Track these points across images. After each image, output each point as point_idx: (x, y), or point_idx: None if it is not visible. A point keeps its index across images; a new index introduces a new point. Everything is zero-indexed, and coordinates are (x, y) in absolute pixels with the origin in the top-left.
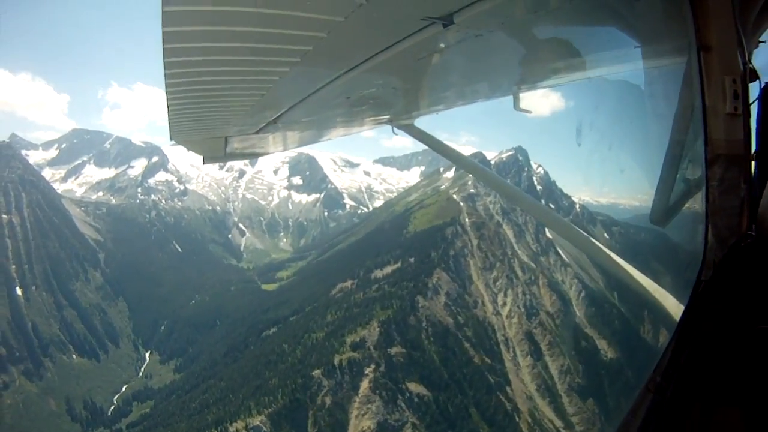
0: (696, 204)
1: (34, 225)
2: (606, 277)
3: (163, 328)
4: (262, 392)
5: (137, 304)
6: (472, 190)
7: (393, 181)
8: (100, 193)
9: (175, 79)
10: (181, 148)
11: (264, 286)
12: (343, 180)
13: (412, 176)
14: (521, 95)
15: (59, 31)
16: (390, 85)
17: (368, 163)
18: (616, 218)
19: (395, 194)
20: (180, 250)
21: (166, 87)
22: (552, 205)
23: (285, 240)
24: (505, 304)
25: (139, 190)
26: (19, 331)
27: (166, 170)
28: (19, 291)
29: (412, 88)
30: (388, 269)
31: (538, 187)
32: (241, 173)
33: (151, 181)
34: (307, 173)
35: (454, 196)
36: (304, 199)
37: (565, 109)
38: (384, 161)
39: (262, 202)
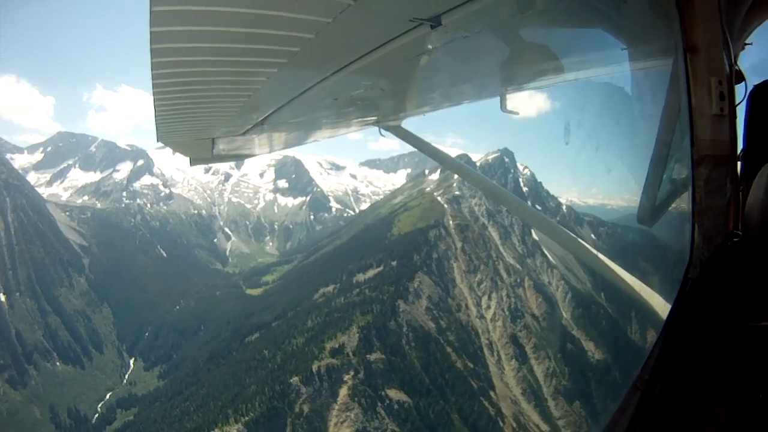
0: (683, 204)
1: (18, 230)
2: (593, 277)
3: (147, 334)
4: (240, 400)
5: (122, 310)
6: (456, 192)
7: (379, 183)
8: (86, 197)
9: (163, 80)
10: (167, 152)
11: (249, 291)
12: (329, 183)
13: (399, 179)
14: (508, 96)
15: (44, 34)
16: (377, 86)
17: (354, 166)
18: (603, 219)
19: (382, 197)
20: (165, 254)
21: (153, 87)
22: (539, 207)
23: (271, 244)
24: (489, 307)
25: (125, 194)
26: (3, 338)
27: (152, 174)
28: (2, 297)
29: (400, 90)
30: (371, 273)
31: (525, 189)
32: (227, 176)
33: (137, 185)
34: (293, 176)
35: (439, 198)
36: (290, 202)
37: (553, 110)
38: (370, 164)
39: (248, 206)
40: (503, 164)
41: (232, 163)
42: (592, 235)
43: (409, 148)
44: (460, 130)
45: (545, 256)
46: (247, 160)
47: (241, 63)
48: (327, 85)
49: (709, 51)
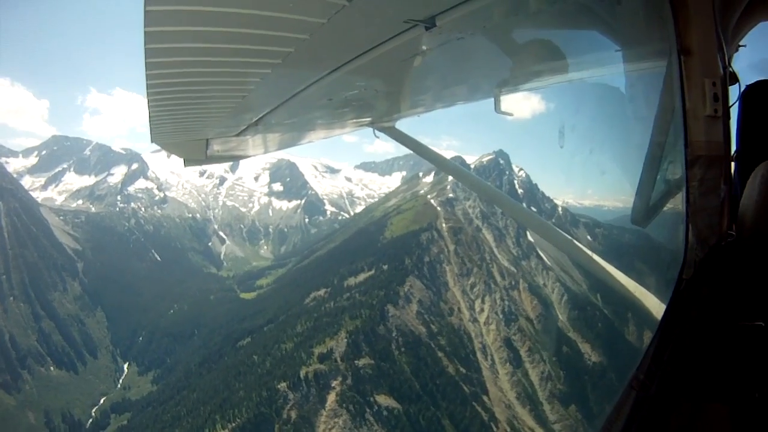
0: (677, 205)
1: (12, 234)
2: (588, 279)
3: (141, 338)
4: (228, 405)
5: (116, 315)
6: (450, 195)
7: (374, 186)
8: (80, 201)
9: (156, 80)
10: (162, 155)
11: (243, 295)
12: (324, 186)
13: (394, 181)
14: (503, 98)
15: (38, 36)
16: (372, 87)
17: (350, 169)
18: (599, 220)
19: (377, 200)
20: (159, 258)
21: (147, 88)
22: (534, 209)
23: (266, 247)
24: (482, 310)
25: (119, 197)
26: None
27: (146, 177)
28: None
29: (394, 91)
30: (362, 277)
31: (520, 191)
32: (222, 180)
33: (131, 189)
34: (288, 180)
35: (432, 200)
36: (285, 205)
37: (548, 111)
38: (365, 166)
39: (243, 209)
40: (498, 166)
41: (227, 167)
42: (588, 237)
43: (404, 151)
44: (455, 132)
45: (540, 258)
46: (241, 164)
47: (235, 63)
48: (321, 86)
49: (703, 53)
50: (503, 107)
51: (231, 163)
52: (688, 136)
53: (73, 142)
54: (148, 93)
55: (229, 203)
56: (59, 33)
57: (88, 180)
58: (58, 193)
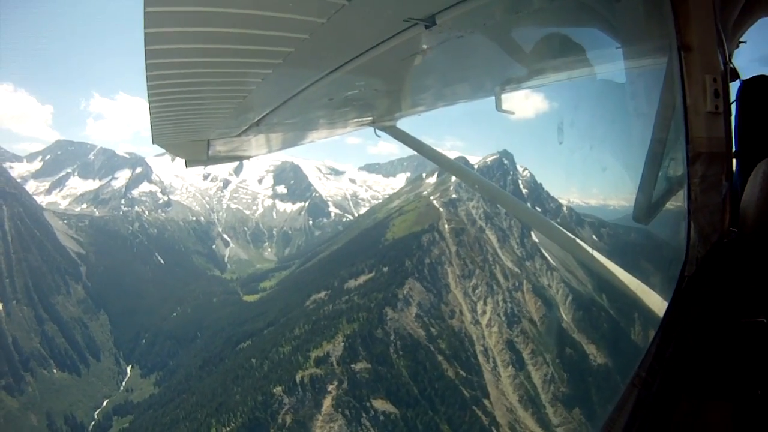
0: (679, 202)
1: (15, 238)
2: (592, 278)
3: (144, 341)
4: (224, 409)
5: (119, 318)
6: (453, 195)
7: (379, 188)
8: (84, 205)
9: (157, 81)
10: (166, 159)
11: (246, 298)
12: (328, 188)
13: (398, 183)
14: (504, 96)
15: (41, 42)
16: (372, 86)
17: (354, 171)
18: (605, 219)
19: (381, 201)
20: (163, 261)
21: (148, 89)
22: (539, 209)
23: (269, 250)
24: (484, 312)
25: (123, 201)
26: (0, 346)
27: (150, 181)
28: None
29: (395, 90)
30: (362, 279)
31: (524, 191)
32: (226, 183)
33: (135, 193)
34: (292, 182)
35: (434, 201)
36: (289, 208)
37: (552, 111)
38: (370, 168)
39: (247, 212)
40: (502, 166)
41: (231, 170)
42: (594, 236)
43: (408, 152)
44: (458, 133)
45: (545, 258)
46: (245, 166)
47: (235, 64)
48: (322, 86)
49: (703, 49)
50: (504, 106)
51: (235, 165)
52: (689, 132)
53: (77, 147)
54: (149, 94)
55: (233, 206)
56: (62, 39)
57: (92, 184)
58: (63, 197)
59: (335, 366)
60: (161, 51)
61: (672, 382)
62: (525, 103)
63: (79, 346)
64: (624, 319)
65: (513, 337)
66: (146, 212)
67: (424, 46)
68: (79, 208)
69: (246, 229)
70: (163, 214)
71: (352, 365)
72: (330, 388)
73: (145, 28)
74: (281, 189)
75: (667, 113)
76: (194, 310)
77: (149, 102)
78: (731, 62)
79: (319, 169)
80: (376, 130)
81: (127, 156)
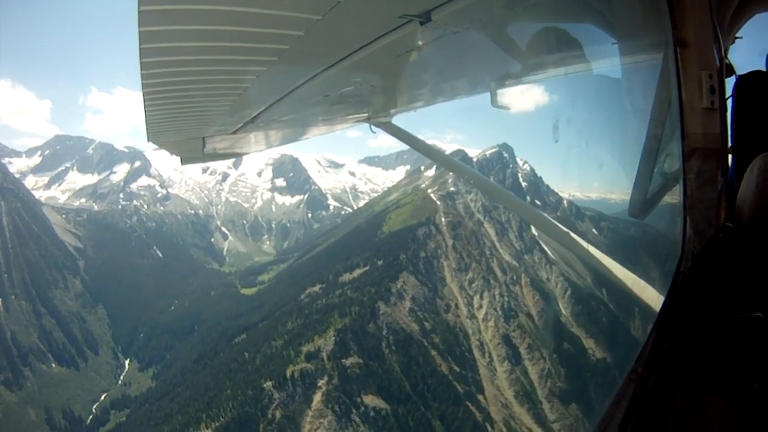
0: (674, 197)
1: (13, 233)
2: (591, 272)
3: (142, 334)
4: (215, 403)
5: (117, 311)
6: (451, 189)
7: (378, 181)
8: (83, 200)
9: (152, 80)
10: (164, 153)
11: (243, 291)
12: (327, 181)
13: (398, 175)
14: (499, 92)
15: (38, 37)
16: (368, 83)
17: (353, 163)
18: (606, 213)
19: (379, 194)
20: (161, 255)
21: (143, 87)
22: (538, 202)
23: (268, 243)
24: (481, 306)
25: (121, 195)
26: None
27: (149, 175)
28: None
29: (390, 86)
30: (357, 273)
31: (524, 184)
32: (225, 176)
33: (134, 186)
34: (291, 175)
35: (432, 194)
36: (288, 200)
37: (552, 105)
38: (369, 161)
39: (246, 205)
40: (501, 159)
41: (230, 163)
42: (594, 230)
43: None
44: (458, 126)
45: (544, 251)
46: (244, 160)
47: (230, 61)
48: (317, 83)
49: (699, 45)
50: (500, 101)
51: (233, 159)
52: (685, 128)
53: (75, 141)
54: (144, 93)
55: (231, 199)
56: (59, 34)
57: (91, 178)
58: (62, 191)
59: (326, 361)
60: (156, 49)
61: (668, 377)
62: (526, 97)
63: (77, 341)
64: (621, 314)
65: (510, 331)
66: (145, 206)
67: (420, 43)
68: (77, 203)
69: (245, 222)
70: (162, 208)
71: (343, 360)
72: (320, 383)
73: (139, 26)
74: (280, 182)
75: (663, 109)
76: (192, 303)
77: (144, 100)
78: (727, 58)
79: (319, 162)
80: (372, 126)
81: (126, 150)
